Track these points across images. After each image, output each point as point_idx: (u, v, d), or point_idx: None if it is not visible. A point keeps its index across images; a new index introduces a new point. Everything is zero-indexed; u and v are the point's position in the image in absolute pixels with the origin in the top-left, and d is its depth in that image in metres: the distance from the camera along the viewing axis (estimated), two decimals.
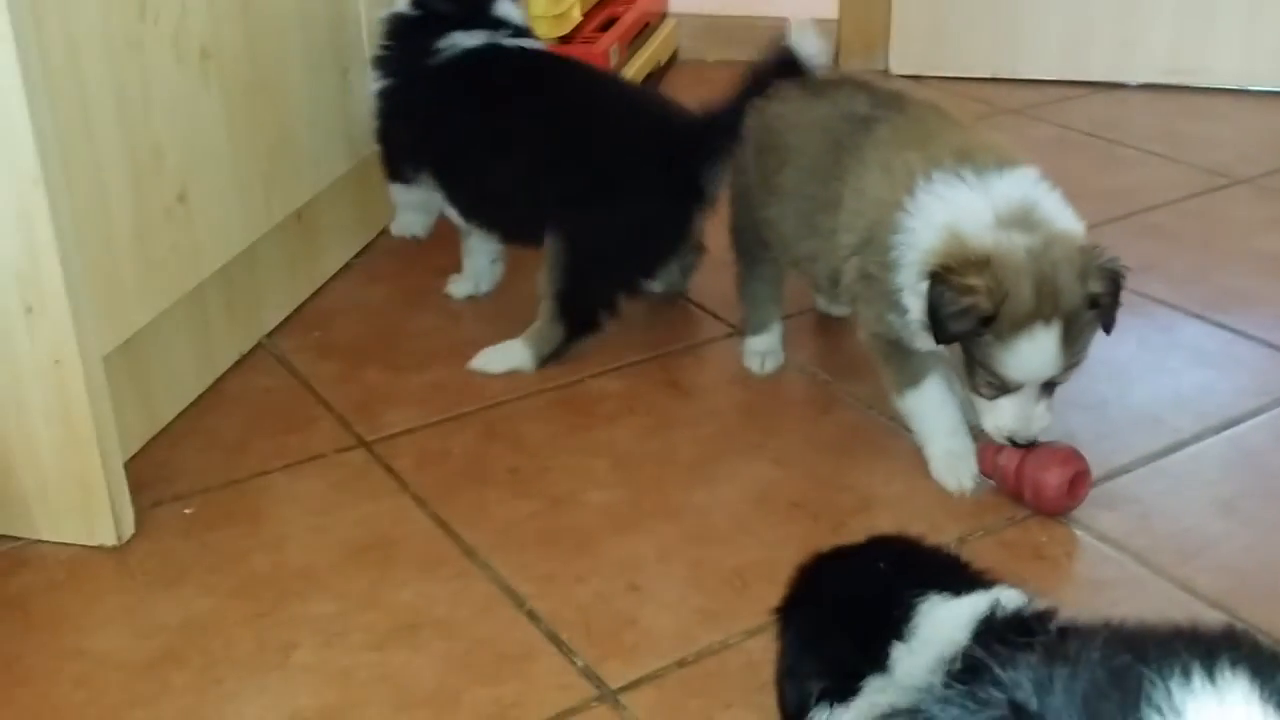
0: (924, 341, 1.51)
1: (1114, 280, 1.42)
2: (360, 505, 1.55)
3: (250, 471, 1.62)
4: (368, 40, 1.99)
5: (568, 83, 1.90)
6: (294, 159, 1.81)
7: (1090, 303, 1.40)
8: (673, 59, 3.32)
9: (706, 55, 3.35)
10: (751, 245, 1.80)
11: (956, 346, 1.45)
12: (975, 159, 1.49)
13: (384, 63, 1.92)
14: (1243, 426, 1.68)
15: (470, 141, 1.86)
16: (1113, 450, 1.62)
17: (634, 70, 2.94)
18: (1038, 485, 1.48)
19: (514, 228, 1.90)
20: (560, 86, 1.88)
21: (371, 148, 2.04)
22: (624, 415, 1.74)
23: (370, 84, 1.94)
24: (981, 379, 1.45)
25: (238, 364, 1.86)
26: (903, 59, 3.19)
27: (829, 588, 1.02)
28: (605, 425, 1.71)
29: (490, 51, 1.87)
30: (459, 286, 2.06)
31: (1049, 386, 1.45)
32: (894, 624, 0.91)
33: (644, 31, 3.10)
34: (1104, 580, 1.41)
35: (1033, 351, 1.39)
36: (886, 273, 1.50)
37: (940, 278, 1.40)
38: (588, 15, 2.95)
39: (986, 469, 1.55)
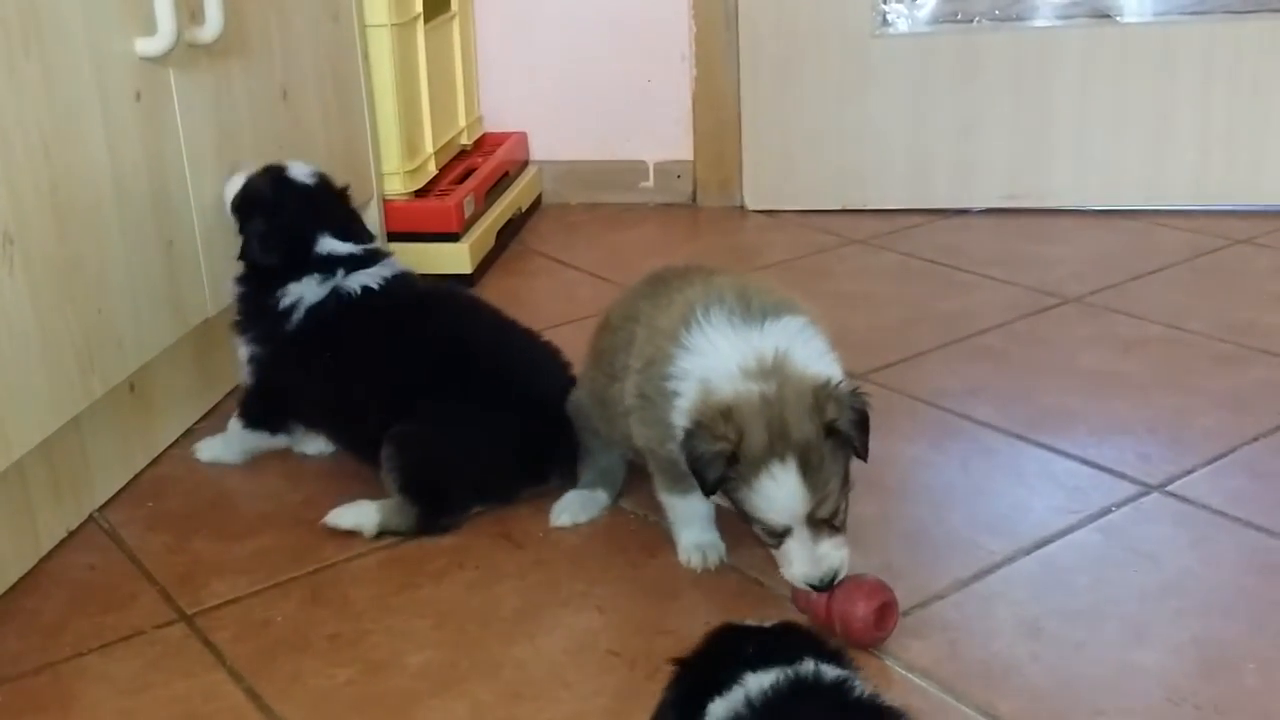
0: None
1: (853, 408, 1.48)
2: (174, 683, 1.53)
3: (66, 653, 1.60)
4: (195, 211, 2.02)
5: (414, 325, 1.92)
6: (114, 334, 1.82)
7: (827, 431, 1.45)
8: (537, 203, 3.40)
9: (570, 199, 3.44)
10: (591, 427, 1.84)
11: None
12: (750, 303, 1.56)
13: (244, 330, 1.97)
14: (1053, 546, 1.72)
15: (333, 394, 1.92)
16: (928, 576, 1.66)
17: (494, 217, 3.01)
18: (845, 618, 1.50)
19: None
20: (407, 331, 1.91)
21: (204, 315, 2.06)
22: (453, 571, 1.74)
23: (239, 350, 1.98)
24: (757, 529, 1.52)
25: (66, 540, 1.84)
26: (756, 195, 3.30)
27: (705, 653, 1.19)
28: (432, 583, 1.71)
29: (334, 303, 1.91)
30: (314, 443, 2.07)
31: (825, 524, 1.48)
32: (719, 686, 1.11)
33: (503, 180, 3.18)
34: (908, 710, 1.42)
35: (775, 488, 1.44)
36: (663, 400, 1.56)
37: (692, 432, 1.49)
38: (445, 168, 3.03)
39: (801, 604, 1.57)
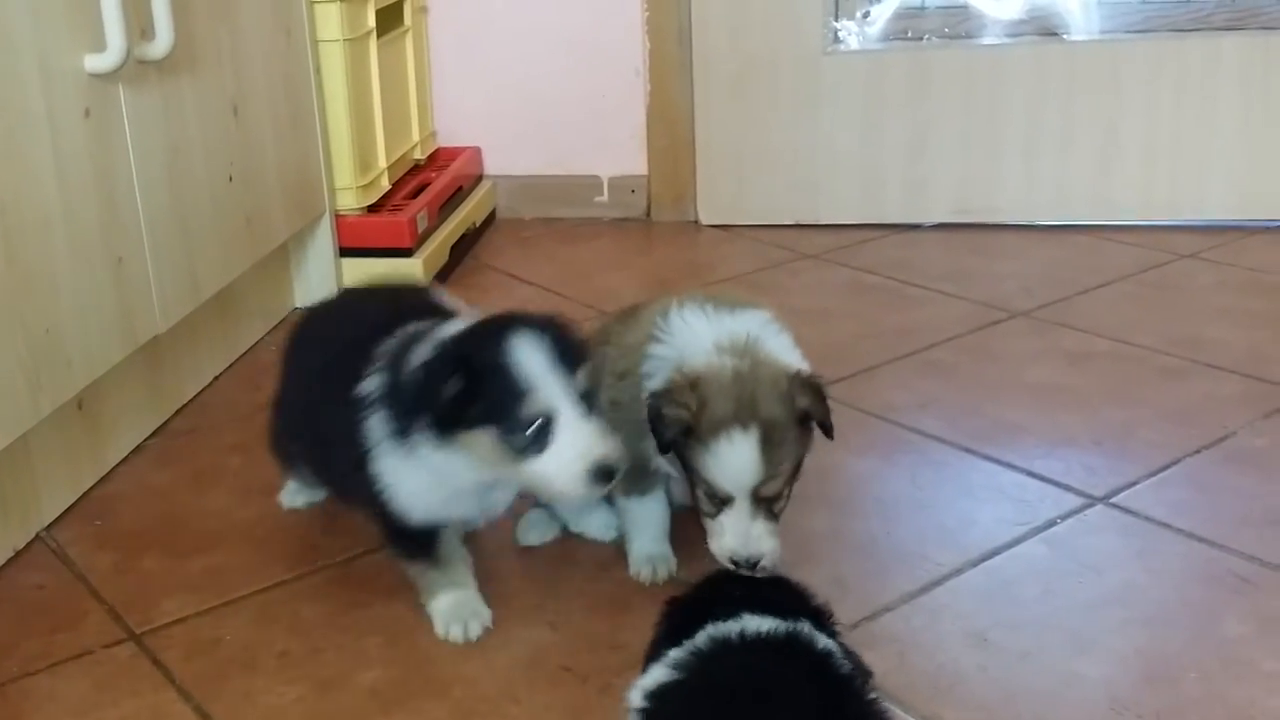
0: (661, 461, 1.62)
1: (818, 392, 1.53)
2: (122, 703, 1.52)
3: (14, 674, 1.58)
4: (145, 227, 2.01)
5: None
6: (63, 352, 1.80)
7: (800, 418, 1.50)
8: (491, 218, 3.41)
9: (524, 213, 3.45)
10: None
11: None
12: (719, 300, 1.64)
13: None
14: (1000, 557, 1.74)
15: None
16: (878, 589, 1.67)
17: (448, 232, 3.01)
18: None
19: None
20: None
21: (154, 332, 2.04)
22: (404, 588, 1.73)
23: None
24: (701, 492, 1.54)
25: (12, 559, 1.82)
26: (711, 210, 3.32)
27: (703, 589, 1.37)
28: (384, 600, 1.71)
29: None
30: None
31: (765, 505, 1.51)
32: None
33: (457, 195, 3.18)
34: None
35: (731, 454, 1.47)
36: (636, 404, 1.60)
37: (656, 396, 1.54)
38: (397, 183, 3.03)
39: None
